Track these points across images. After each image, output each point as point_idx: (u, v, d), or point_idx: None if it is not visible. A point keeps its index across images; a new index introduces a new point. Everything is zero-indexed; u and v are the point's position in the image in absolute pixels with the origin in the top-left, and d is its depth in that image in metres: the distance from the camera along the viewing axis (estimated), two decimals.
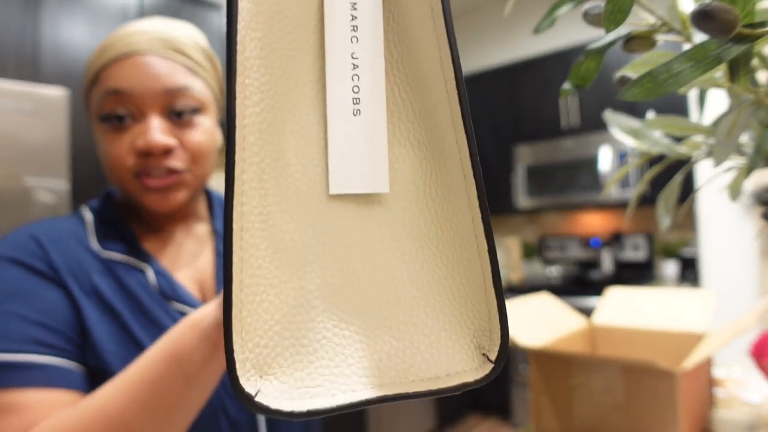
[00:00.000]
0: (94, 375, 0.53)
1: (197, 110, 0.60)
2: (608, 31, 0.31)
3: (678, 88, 0.29)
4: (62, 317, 0.52)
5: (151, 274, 0.59)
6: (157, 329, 0.56)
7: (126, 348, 0.54)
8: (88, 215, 0.62)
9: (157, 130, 0.56)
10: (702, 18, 0.26)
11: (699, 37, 0.35)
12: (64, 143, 1.55)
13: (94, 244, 0.59)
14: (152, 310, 0.57)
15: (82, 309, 0.54)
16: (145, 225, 0.64)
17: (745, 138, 0.43)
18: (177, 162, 0.58)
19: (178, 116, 0.58)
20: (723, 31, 0.26)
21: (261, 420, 0.59)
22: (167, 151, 0.57)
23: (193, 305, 0.60)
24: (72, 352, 0.52)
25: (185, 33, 0.62)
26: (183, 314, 0.59)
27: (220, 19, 2.33)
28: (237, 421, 0.57)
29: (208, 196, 0.73)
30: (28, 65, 1.70)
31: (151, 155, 0.56)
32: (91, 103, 0.60)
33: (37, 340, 0.50)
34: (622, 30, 0.35)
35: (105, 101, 0.57)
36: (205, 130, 0.61)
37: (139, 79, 0.56)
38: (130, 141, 0.57)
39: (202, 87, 0.61)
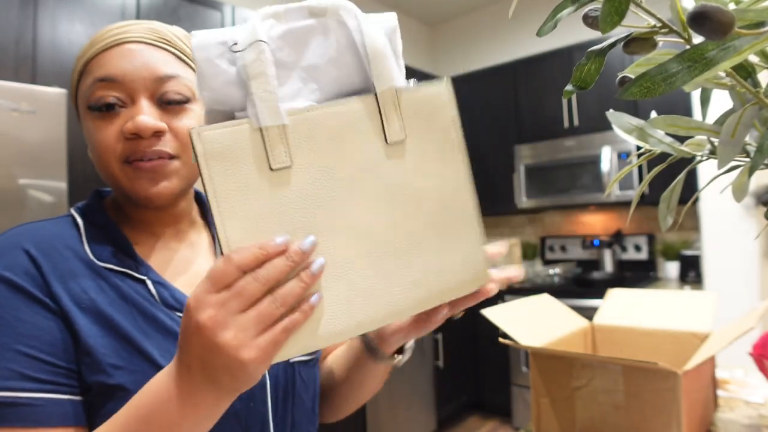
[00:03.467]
0: (99, 391, 0.50)
1: (188, 100, 0.58)
2: (604, 33, 0.31)
3: (675, 88, 0.29)
4: (51, 343, 0.49)
5: (150, 285, 0.57)
6: (170, 338, 0.55)
7: (131, 361, 0.52)
8: (79, 220, 0.59)
9: (146, 113, 0.55)
10: (697, 19, 0.26)
11: (699, 38, 0.35)
12: (62, 143, 1.55)
13: (89, 252, 0.56)
14: (160, 320, 0.55)
15: (78, 326, 0.51)
16: (136, 228, 0.62)
17: (748, 137, 0.43)
18: (166, 147, 0.56)
19: (168, 104, 0.57)
20: (719, 32, 0.26)
21: (270, 423, 0.59)
22: (157, 135, 0.55)
23: None
24: (62, 384, 0.49)
25: (174, 28, 0.61)
26: None
27: (218, 17, 2.32)
28: (248, 427, 0.57)
29: (200, 200, 0.71)
30: (26, 66, 1.70)
31: (141, 138, 0.55)
32: (79, 95, 0.58)
33: (23, 374, 0.47)
34: (622, 31, 0.35)
35: (94, 89, 0.55)
36: (196, 117, 0.59)
37: (130, 65, 0.55)
38: (119, 127, 0.55)
39: (192, 77, 0.59)
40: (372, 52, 0.41)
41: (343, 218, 0.40)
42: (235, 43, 0.40)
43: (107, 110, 0.55)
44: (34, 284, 0.51)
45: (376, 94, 0.42)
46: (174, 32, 0.60)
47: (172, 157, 0.57)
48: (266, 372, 0.58)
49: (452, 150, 0.45)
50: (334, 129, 0.40)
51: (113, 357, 0.51)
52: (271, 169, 0.39)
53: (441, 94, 0.45)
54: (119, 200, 0.62)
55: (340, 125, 0.41)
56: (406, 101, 0.43)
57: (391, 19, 0.44)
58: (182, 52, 0.60)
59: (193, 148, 0.38)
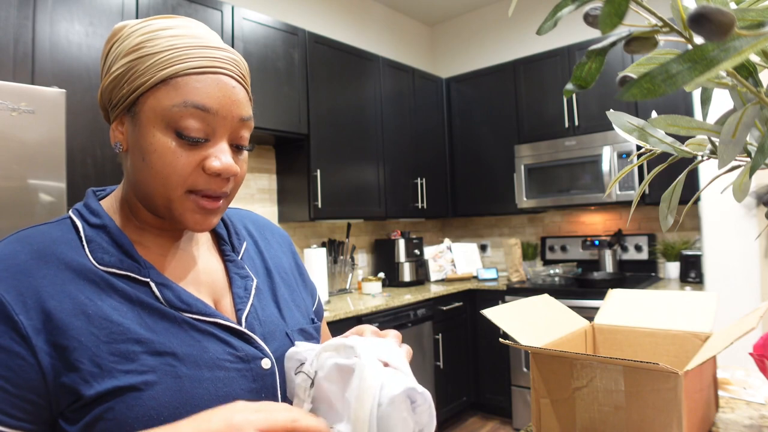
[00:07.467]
0: (110, 395, 0.50)
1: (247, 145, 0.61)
2: (604, 33, 0.31)
3: (676, 89, 0.28)
4: (24, 379, 0.48)
5: (154, 287, 0.57)
6: (180, 333, 0.56)
7: (141, 363, 0.52)
8: (79, 223, 0.58)
9: (230, 156, 0.57)
10: (697, 20, 0.26)
11: (700, 38, 0.35)
12: (61, 143, 1.55)
13: (90, 257, 0.56)
14: (168, 317, 0.56)
15: (80, 342, 0.50)
16: (144, 227, 0.62)
17: (749, 136, 0.43)
18: (228, 188, 0.59)
19: (237, 148, 0.59)
20: (719, 33, 0.26)
21: None
22: (229, 177, 0.58)
23: (207, 313, 0.59)
24: (17, 417, 0.49)
25: (239, 56, 0.60)
26: (198, 321, 0.58)
27: (218, 17, 2.32)
28: None
29: None
30: (25, 66, 1.70)
31: (219, 178, 0.57)
32: (152, 101, 0.55)
33: None
34: (623, 30, 0.35)
35: (187, 113, 0.54)
36: (247, 161, 0.62)
37: (226, 100, 0.56)
38: (199, 159, 0.55)
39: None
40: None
41: None
42: (302, 363, 0.55)
43: (194, 142, 0.55)
44: (22, 306, 0.50)
45: None
46: (245, 65, 0.61)
47: (227, 196, 0.59)
48: (277, 381, 0.61)
49: None
50: None
51: (122, 363, 0.51)
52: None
53: None
54: (129, 201, 0.61)
55: None
56: None
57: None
58: (250, 90, 0.61)
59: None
